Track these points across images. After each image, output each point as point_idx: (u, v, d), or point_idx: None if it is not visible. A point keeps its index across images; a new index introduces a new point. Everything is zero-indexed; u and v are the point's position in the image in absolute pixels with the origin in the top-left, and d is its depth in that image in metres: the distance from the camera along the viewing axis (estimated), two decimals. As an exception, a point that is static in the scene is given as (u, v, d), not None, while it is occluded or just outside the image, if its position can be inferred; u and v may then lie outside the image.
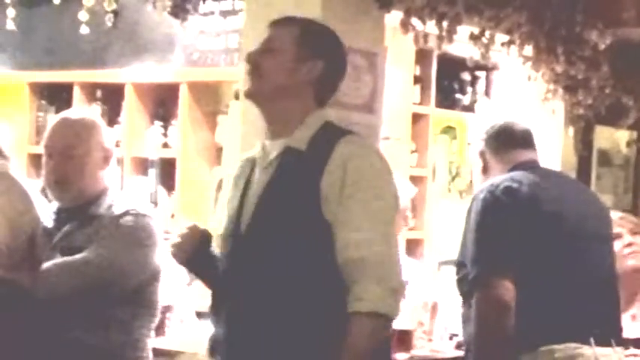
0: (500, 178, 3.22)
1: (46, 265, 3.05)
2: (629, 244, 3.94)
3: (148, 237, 3.20)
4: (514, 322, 3.02)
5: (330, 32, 2.86)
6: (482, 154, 3.40)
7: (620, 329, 3.34)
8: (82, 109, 5.24)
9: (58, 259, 3.12)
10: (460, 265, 3.22)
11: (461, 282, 3.22)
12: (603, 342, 3.13)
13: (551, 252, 3.11)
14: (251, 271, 2.69)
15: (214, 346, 2.79)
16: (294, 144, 2.73)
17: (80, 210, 3.21)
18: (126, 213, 3.19)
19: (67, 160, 3.20)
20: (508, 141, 3.35)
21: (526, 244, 3.08)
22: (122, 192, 3.43)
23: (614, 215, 3.74)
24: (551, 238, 3.12)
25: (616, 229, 3.66)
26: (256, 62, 2.77)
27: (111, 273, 3.10)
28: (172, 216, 4.74)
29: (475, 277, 3.07)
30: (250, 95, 2.79)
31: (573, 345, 3.06)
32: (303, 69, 2.75)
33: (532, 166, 3.30)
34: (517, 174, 3.22)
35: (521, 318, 3.02)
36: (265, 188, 2.73)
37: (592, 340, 3.08)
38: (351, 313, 2.59)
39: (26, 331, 2.37)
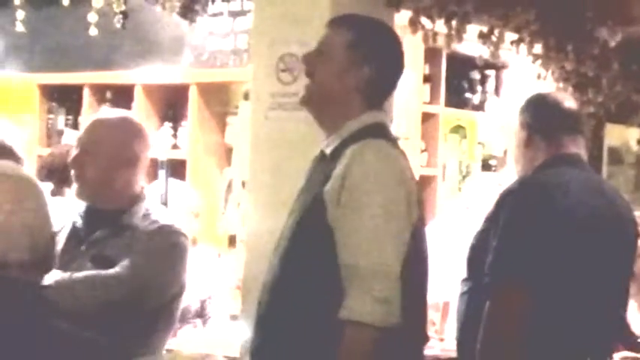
0: (544, 178, 3.07)
1: (77, 275, 3.03)
2: None
3: (180, 257, 3.16)
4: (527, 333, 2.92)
5: (386, 33, 2.84)
6: (527, 127, 3.18)
7: (617, 347, 3.27)
8: (125, 111, 5.24)
9: (91, 272, 3.06)
10: (465, 279, 3.16)
11: (464, 296, 3.15)
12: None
13: (571, 271, 2.98)
14: (273, 277, 2.74)
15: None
16: (325, 147, 2.75)
17: (112, 217, 3.15)
18: (161, 229, 3.14)
19: (87, 154, 3.15)
20: (559, 123, 3.16)
21: (551, 258, 2.95)
22: (156, 201, 3.40)
23: (638, 214, 3.71)
24: (575, 256, 2.99)
25: None
26: (309, 65, 2.79)
27: (141, 292, 3.06)
28: (197, 215, 4.74)
29: (492, 284, 2.96)
30: (302, 102, 2.82)
31: None
32: (350, 75, 2.74)
33: (576, 162, 3.14)
34: (561, 177, 3.06)
35: (532, 329, 2.93)
36: (298, 193, 2.79)
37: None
38: (342, 321, 2.59)
39: (37, 328, 2.37)
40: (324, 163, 2.73)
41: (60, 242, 3.15)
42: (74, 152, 3.19)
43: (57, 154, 4.70)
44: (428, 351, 4.43)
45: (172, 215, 3.35)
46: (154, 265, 3.09)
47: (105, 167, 3.14)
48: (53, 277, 3.01)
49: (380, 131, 2.75)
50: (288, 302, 2.68)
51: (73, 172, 3.19)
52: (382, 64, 2.77)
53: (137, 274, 3.06)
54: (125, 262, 3.06)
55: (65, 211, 3.23)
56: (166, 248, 3.14)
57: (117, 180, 3.17)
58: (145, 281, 3.06)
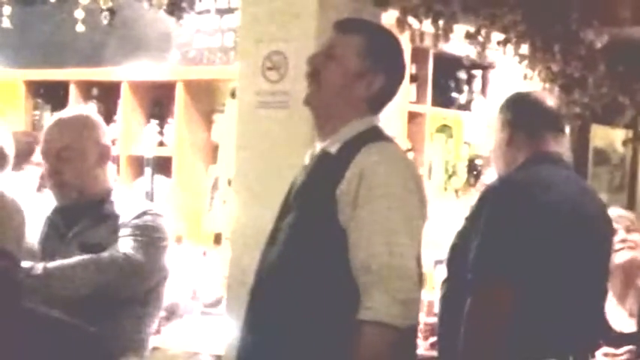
0: (525, 176, 3.07)
1: (68, 260, 3.06)
2: (623, 240, 3.95)
3: (164, 238, 3.21)
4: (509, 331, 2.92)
5: (394, 41, 2.83)
6: (509, 125, 3.18)
7: (598, 344, 3.29)
8: (77, 107, 5.23)
9: (83, 256, 3.09)
10: (446, 280, 3.16)
11: (444, 298, 3.16)
12: (581, 357, 3.07)
13: (552, 268, 2.99)
14: (272, 274, 2.72)
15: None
16: (328, 148, 2.73)
17: (90, 208, 3.19)
18: (145, 213, 3.19)
19: (62, 162, 3.19)
20: (541, 122, 3.16)
21: (533, 255, 2.95)
22: (129, 190, 3.43)
23: (613, 212, 3.73)
24: (557, 253, 2.99)
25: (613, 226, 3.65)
26: (317, 68, 2.75)
27: (132, 273, 3.10)
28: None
29: (474, 282, 2.96)
30: (309, 103, 2.78)
31: None
32: (363, 83, 2.73)
33: (557, 160, 3.14)
34: (542, 174, 3.06)
35: (513, 327, 2.92)
36: (297, 189, 2.75)
37: (570, 358, 3.01)
38: (359, 322, 2.58)
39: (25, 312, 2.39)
40: (329, 162, 2.70)
41: (37, 238, 3.18)
42: (47, 162, 3.20)
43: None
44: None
45: (149, 200, 3.39)
46: (144, 248, 3.14)
47: (83, 167, 3.19)
48: (39, 266, 3.03)
49: (383, 134, 2.77)
50: (294, 302, 2.66)
51: (54, 185, 3.20)
52: (391, 72, 2.77)
53: (129, 255, 3.10)
54: (116, 246, 3.11)
55: (40, 207, 3.26)
56: (152, 230, 3.18)
57: (96, 176, 3.22)
58: (138, 263, 3.10)
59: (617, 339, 3.81)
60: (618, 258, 3.88)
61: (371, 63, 2.72)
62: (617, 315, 3.91)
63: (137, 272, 3.11)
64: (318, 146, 2.78)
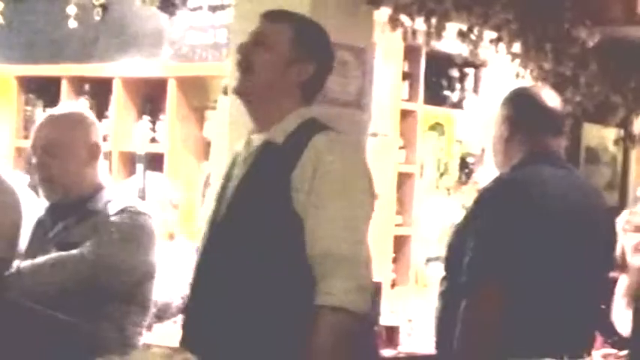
0: (521, 176, 3.06)
1: (40, 259, 3.07)
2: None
3: (144, 235, 3.18)
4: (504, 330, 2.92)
5: (322, 32, 2.85)
6: (510, 121, 3.15)
7: (592, 343, 3.29)
8: (70, 104, 5.22)
9: (53, 255, 3.10)
10: (444, 278, 3.16)
11: (443, 295, 3.16)
12: (576, 356, 3.06)
13: (548, 269, 2.98)
14: (222, 261, 2.71)
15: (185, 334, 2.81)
16: (272, 138, 2.74)
17: (76, 206, 3.19)
18: (123, 210, 3.17)
19: (50, 157, 3.18)
20: (543, 121, 3.14)
21: (529, 256, 2.94)
22: (119, 188, 3.42)
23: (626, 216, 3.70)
24: (553, 254, 2.98)
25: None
26: (248, 57, 2.76)
27: (105, 270, 3.09)
28: (176, 207, 4.74)
29: (469, 283, 2.96)
30: (240, 93, 2.79)
31: None
32: (295, 70, 2.75)
33: (555, 159, 3.13)
34: (539, 174, 3.05)
35: (507, 326, 2.92)
36: (240, 181, 2.75)
37: (565, 357, 3.01)
38: (318, 307, 2.61)
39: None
40: (276, 152, 2.72)
41: (26, 236, 3.18)
42: (34, 158, 3.21)
43: None
44: (403, 348, 4.47)
45: (137, 199, 3.38)
46: (118, 244, 3.12)
47: (69, 164, 3.18)
48: (15, 265, 3.04)
49: (327, 125, 2.80)
50: (247, 291, 2.66)
51: (41, 180, 3.20)
52: (321, 60, 2.80)
53: (100, 252, 3.09)
54: (87, 243, 3.10)
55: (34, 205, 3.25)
56: (130, 227, 3.16)
57: (83, 173, 3.21)
58: (109, 259, 3.08)
59: (622, 342, 3.79)
60: (636, 260, 3.86)
61: (301, 50, 2.76)
62: (624, 317, 3.89)
63: (108, 269, 3.09)
64: (255, 138, 2.79)
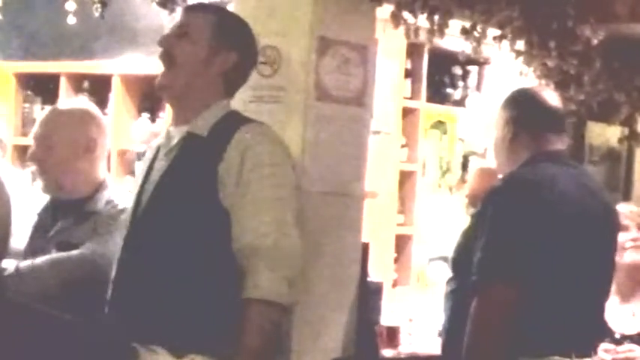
0: (529, 174, 3.05)
1: (39, 259, 3.06)
2: (634, 239, 3.91)
3: None
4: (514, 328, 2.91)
5: (244, 24, 2.87)
6: (513, 123, 3.15)
7: (600, 339, 3.28)
8: (78, 100, 5.20)
9: (53, 255, 3.10)
10: (452, 278, 3.15)
11: (450, 295, 3.15)
12: (584, 355, 3.05)
13: (556, 266, 2.97)
14: (147, 255, 2.70)
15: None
16: (195, 130, 2.74)
17: (76, 205, 3.18)
18: (124, 210, 3.15)
19: (44, 148, 3.18)
20: (546, 120, 3.14)
21: (538, 254, 2.93)
22: (120, 188, 3.40)
23: (625, 208, 3.70)
24: (562, 252, 2.98)
25: (624, 222, 3.61)
26: (170, 48, 2.78)
27: (104, 269, 3.07)
28: None
29: (479, 282, 2.95)
30: (163, 86, 2.80)
31: (556, 358, 2.98)
32: (217, 60, 2.76)
33: (561, 158, 3.12)
34: (546, 172, 3.03)
35: (516, 325, 2.92)
36: (164, 173, 2.74)
37: (573, 355, 3.00)
38: (245, 300, 2.62)
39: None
40: (200, 145, 2.71)
41: (27, 235, 3.17)
42: (32, 148, 3.22)
43: None
44: (404, 348, 4.44)
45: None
46: (117, 244, 3.09)
47: (65, 157, 3.17)
48: (12, 266, 3.02)
49: (249, 117, 2.82)
50: (173, 286, 2.65)
51: (36, 169, 3.21)
52: (243, 50, 2.82)
53: (100, 252, 3.08)
54: (88, 243, 3.10)
55: (35, 203, 3.24)
56: None
57: (79, 168, 3.19)
58: (110, 260, 3.06)
59: (619, 341, 3.78)
60: (626, 257, 3.84)
61: (223, 40, 2.77)
62: (618, 314, 3.87)
63: (109, 270, 3.07)
64: (175, 130, 2.79)
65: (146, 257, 2.71)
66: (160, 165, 2.77)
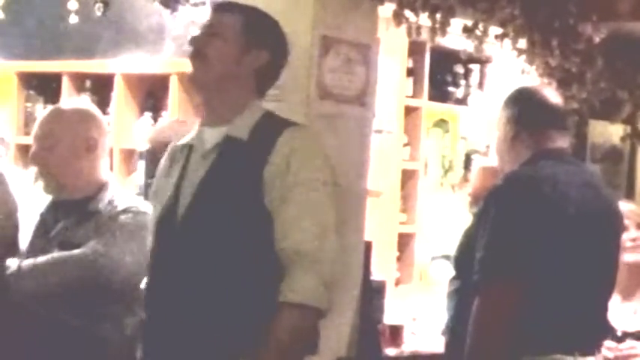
0: (531, 172, 3.05)
1: (41, 258, 3.07)
2: (634, 239, 3.91)
3: (147, 235, 3.16)
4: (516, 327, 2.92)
5: (274, 22, 2.85)
6: (515, 121, 3.15)
7: (603, 337, 3.28)
8: (78, 99, 5.20)
9: (55, 254, 3.10)
10: (454, 277, 3.15)
11: (453, 294, 3.15)
12: (587, 353, 3.05)
13: (560, 265, 2.97)
14: (188, 259, 2.67)
15: (143, 331, 2.80)
16: (235, 133, 2.72)
17: (78, 205, 3.18)
18: (126, 210, 3.17)
19: (45, 149, 3.19)
20: (548, 118, 3.14)
21: (541, 252, 2.94)
22: (122, 188, 3.40)
23: (624, 207, 3.70)
24: (565, 250, 2.98)
25: (624, 221, 3.61)
26: (201, 46, 2.76)
27: (106, 269, 3.08)
28: None
29: (481, 281, 2.95)
30: (194, 82, 2.79)
31: (558, 356, 2.98)
32: (248, 58, 2.74)
33: (563, 156, 3.13)
34: (548, 170, 3.04)
35: (519, 323, 2.92)
36: (205, 177, 2.71)
37: (577, 353, 3.00)
38: (281, 303, 2.60)
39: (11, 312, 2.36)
40: (243, 148, 2.69)
41: (29, 234, 3.18)
42: (33, 149, 3.22)
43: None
44: (407, 347, 4.44)
45: (139, 199, 3.36)
46: (120, 244, 3.12)
47: (66, 157, 3.17)
48: (14, 265, 3.03)
49: (288, 119, 2.80)
50: (216, 291, 2.63)
51: (38, 171, 3.21)
52: (275, 49, 2.80)
53: (102, 252, 3.08)
54: (90, 243, 3.09)
55: (37, 202, 3.25)
56: (131, 227, 3.16)
57: (80, 168, 3.19)
58: (111, 259, 3.07)
59: (621, 338, 3.78)
60: (627, 257, 3.84)
61: (253, 39, 2.76)
62: (620, 312, 3.88)
63: (110, 269, 3.08)
64: (208, 131, 2.75)
65: (190, 262, 2.67)
66: (197, 168, 2.74)
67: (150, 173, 4.09)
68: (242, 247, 2.63)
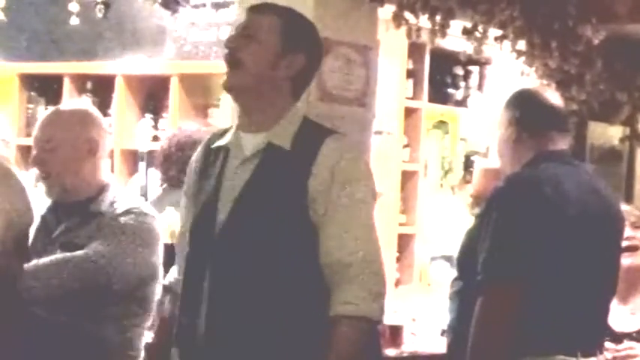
0: (533, 174, 3.05)
1: (44, 259, 3.05)
2: (628, 238, 3.92)
3: (148, 236, 3.16)
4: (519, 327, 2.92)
5: (311, 24, 2.78)
6: (516, 123, 3.14)
7: (604, 338, 3.29)
8: (78, 101, 5.21)
9: (57, 255, 3.09)
10: (456, 279, 3.16)
11: (455, 295, 3.15)
12: (589, 354, 3.05)
13: (563, 266, 2.97)
14: (231, 268, 2.63)
15: (180, 337, 2.74)
16: (276, 141, 2.66)
17: (80, 206, 3.17)
18: (128, 212, 3.15)
19: (46, 152, 3.18)
20: (549, 120, 3.14)
21: (543, 254, 2.93)
22: (124, 189, 3.39)
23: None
24: (567, 251, 2.97)
25: None
26: (236, 50, 2.69)
27: (108, 271, 3.07)
28: None
29: (484, 282, 2.94)
30: (230, 87, 2.72)
31: (561, 357, 2.98)
32: (284, 63, 2.67)
33: (564, 158, 3.12)
34: (550, 172, 3.03)
35: (521, 324, 2.91)
36: (247, 185, 2.65)
37: (579, 354, 3.00)
38: (336, 317, 2.56)
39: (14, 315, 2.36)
40: (285, 158, 2.64)
41: (30, 236, 3.17)
42: (33, 152, 3.20)
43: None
44: (407, 347, 4.44)
45: (141, 200, 3.36)
46: (123, 245, 3.10)
47: (67, 159, 3.16)
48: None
49: (326, 126, 2.76)
50: (261, 302, 2.59)
51: (39, 174, 3.20)
52: (313, 53, 2.74)
53: (104, 253, 3.07)
54: (92, 244, 3.08)
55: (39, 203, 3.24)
56: (134, 229, 3.14)
57: (81, 170, 3.19)
58: (113, 260, 3.06)
59: (619, 338, 3.79)
60: (622, 260, 3.85)
61: (290, 42, 2.68)
62: (618, 313, 3.89)
63: (112, 270, 3.07)
64: (245, 137, 2.69)
65: (229, 271, 2.62)
66: (238, 174, 2.67)
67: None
68: (284, 258, 2.59)
